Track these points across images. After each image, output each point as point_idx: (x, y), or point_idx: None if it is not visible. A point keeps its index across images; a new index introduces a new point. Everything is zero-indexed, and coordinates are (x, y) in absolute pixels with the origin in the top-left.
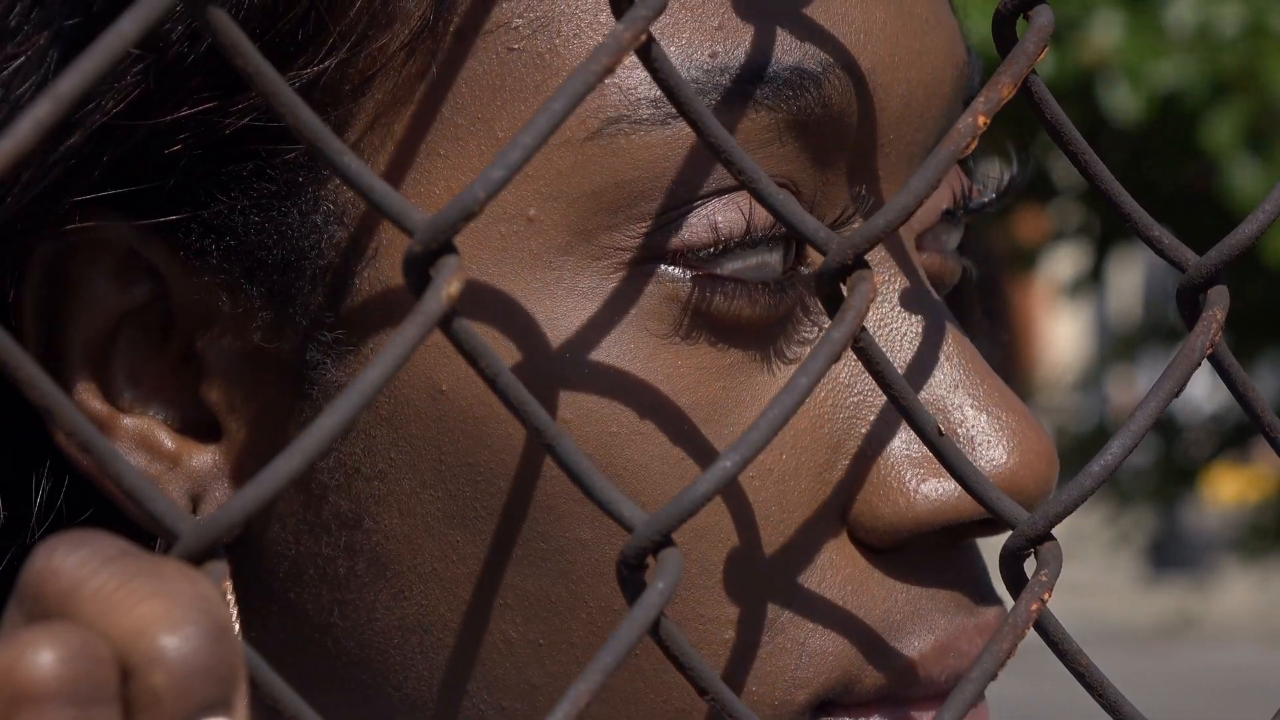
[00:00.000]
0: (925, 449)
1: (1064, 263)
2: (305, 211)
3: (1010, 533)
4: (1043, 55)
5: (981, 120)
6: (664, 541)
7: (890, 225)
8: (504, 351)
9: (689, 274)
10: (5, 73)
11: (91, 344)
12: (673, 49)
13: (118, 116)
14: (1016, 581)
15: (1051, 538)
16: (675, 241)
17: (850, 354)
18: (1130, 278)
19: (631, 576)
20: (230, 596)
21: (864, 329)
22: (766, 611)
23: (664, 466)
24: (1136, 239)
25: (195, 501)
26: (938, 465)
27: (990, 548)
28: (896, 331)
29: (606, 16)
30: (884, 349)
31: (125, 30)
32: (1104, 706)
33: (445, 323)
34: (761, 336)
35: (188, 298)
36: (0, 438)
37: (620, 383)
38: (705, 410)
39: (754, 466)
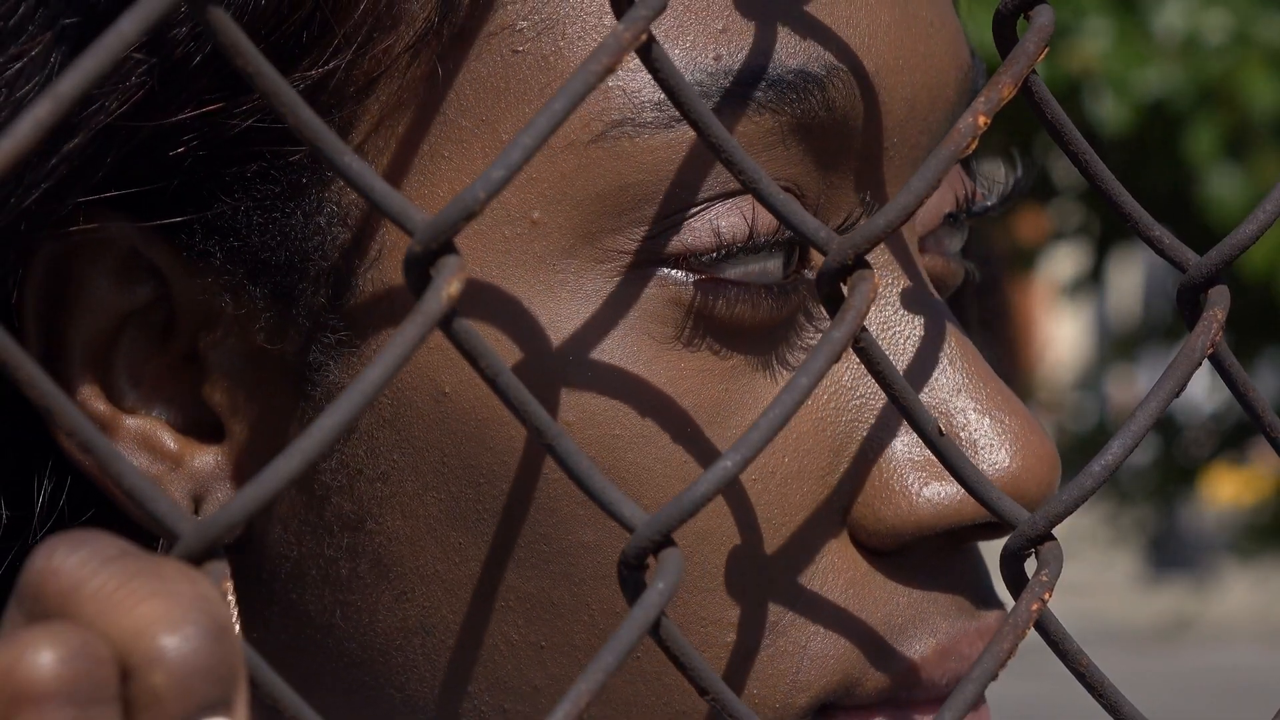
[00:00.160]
0: (928, 452)
1: (1064, 263)
2: (309, 213)
3: (1011, 533)
4: (1043, 55)
5: (982, 120)
6: (665, 541)
7: (891, 225)
8: (507, 353)
9: (692, 277)
10: (8, 73)
11: (93, 344)
12: (677, 52)
13: (122, 117)
14: (1017, 581)
15: (1052, 537)
16: (678, 245)
17: (853, 357)
18: (1130, 278)
19: (632, 576)
20: (230, 597)
21: (865, 329)
22: (768, 614)
23: (665, 469)
24: (1136, 239)
25: (197, 502)
26: (940, 468)
27: (991, 549)
28: (899, 334)
29: (611, 18)
30: (886, 352)
31: (126, 30)
32: (1104, 706)
33: (445, 323)
34: (764, 341)
35: (190, 298)
36: (2, 438)
37: (622, 385)
38: (707, 413)
39: (756, 469)
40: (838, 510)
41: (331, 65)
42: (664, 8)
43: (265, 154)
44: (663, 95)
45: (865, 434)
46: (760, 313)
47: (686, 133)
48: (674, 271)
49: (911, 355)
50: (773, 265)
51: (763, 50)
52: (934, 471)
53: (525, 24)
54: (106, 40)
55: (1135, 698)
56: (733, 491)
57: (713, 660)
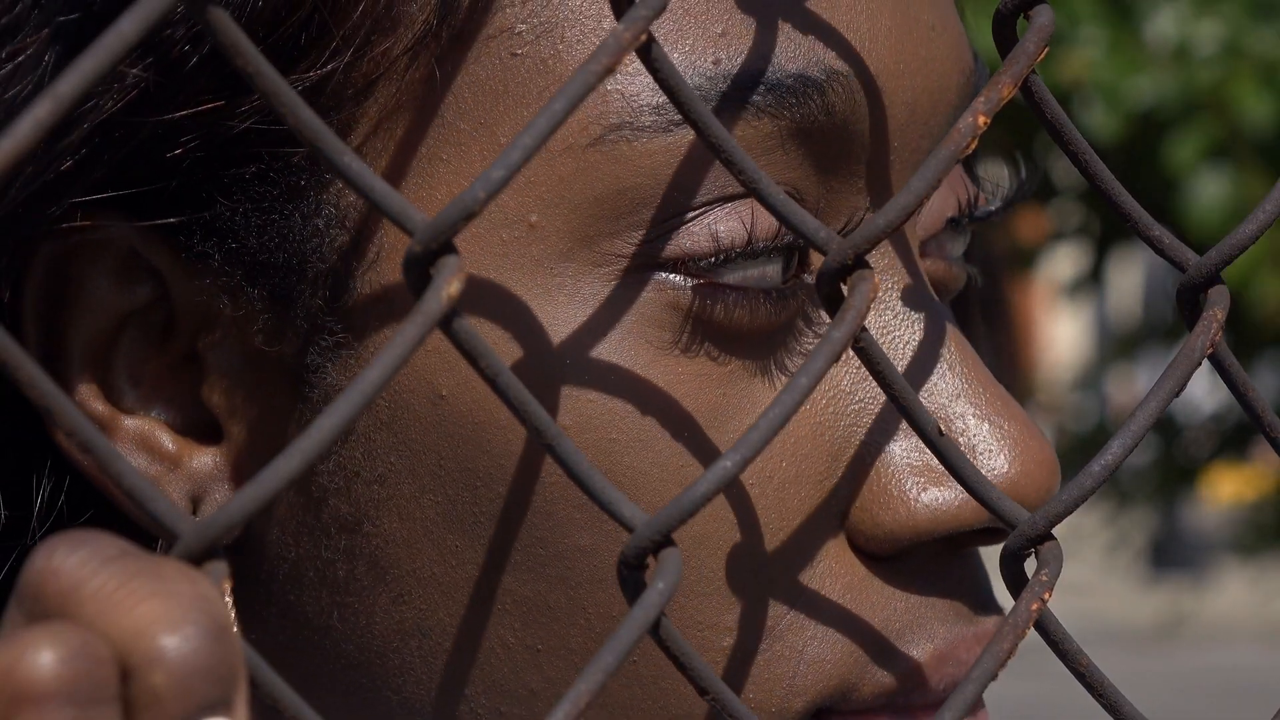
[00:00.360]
0: (926, 457)
1: (1064, 263)
2: (307, 215)
3: (1011, 533)
4: (1043, 55)
5: (982, 120)
6: (664, 541)
7: (891, 224)
8: (504, 356)
9: (690, 282)
10: (4, 72)
11: (92, 345)
12: (676, 55)
13: (120, 117)
14: (1017, 581)
15: (1052, 537)
16: (676, 249)
17: (852, 361)
18: (1130, 278)
19: (632, 576)
20: (229, 598)
21: (865, 329)
22: (765, 618)
23: (662, 473)
24: (1136, 239)
25: (195, 503)
26: (938, 474)
27: (990, 551)
28: (898, 339)
29: (610, 21)
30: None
31: (125, 30)
32: (1104, 706)
33: (445, 323)
34: (762, 346)
35: (189, 299)
36: (1, 438)
37: (620, 389)
38: (705, 417)
39: (754, 473)
40: (835, 515)
41: (329, 67)
42: (664, 8)
43: (263, 156)
44: (661, 99)
45: (863, 439)
46: (758, 318)
47: (684, 136)
48: (672, 276)
49: (910, 359)
50: (771, 270)
51: (762, 54)
52: (932, 477)
53: (524, 27)
54: (106, 40)
55: (1135, 697)
56: (730, 495)
57: (709, 664)
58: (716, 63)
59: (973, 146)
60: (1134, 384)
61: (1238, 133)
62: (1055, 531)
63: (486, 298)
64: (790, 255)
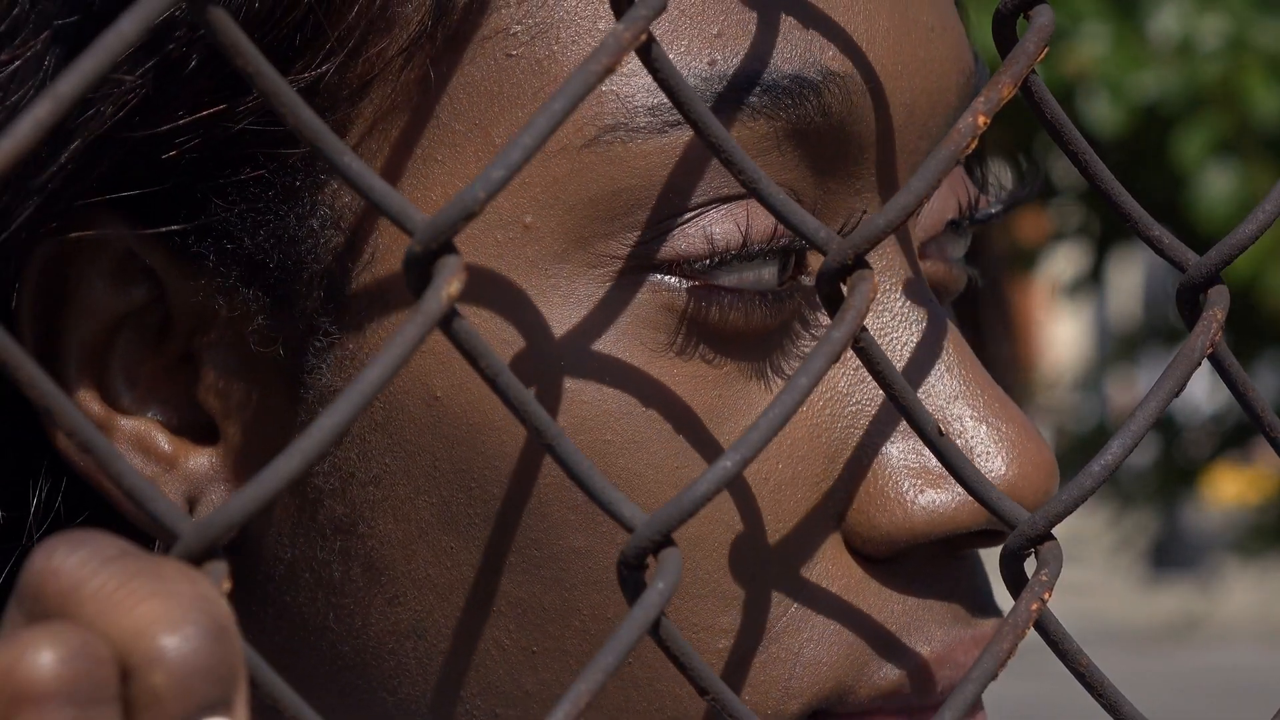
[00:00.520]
0: (923, 459)
1: (1064, 263)
2: (302, 216)
3: (1011, 533)
4: (1043, 54)
5: (982, 120)
6: (664, 541)
7: (891, 224)
8: (499, 356)
9: (685, 283)
10: (3, 74)
11: (89, 346)
12: (672, 56)
13: (118, 120)
14: (1017, 581)
15: (1052, 537)
16: (671, 251)
17: (850, 363)
18: (1130, 278)
19: (632, 576)
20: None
21: (864, 329)
22: (761, 620)
23: (657, 475)
24: (1136, 239)
25: (191, 504)
26: (935, 476)
27: (990, 552)
28: (896, 340)
29: (605, 23)
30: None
31: (125, 30)
32: (1104, 706)
33: (445, 322)
34: (758, 348)
35: (185, 300)
36: None
37: (615, 390)
38: (700, 419)
39: (751, 475)
40: (833, 517)
41: (324, 68)
42: (664, 8)
43: (259, 157)
44: (656, 100)
45: (861, 440)
46: (754, 320)
47: (680, 138)
48: (667, 277)
49: (909, 360)
50: (767, 273)
51: (758, 55)
52: (929, 479)
53: (519, 28)
54: (106, 40)
55: (1135, 698)
56: (727, 497)
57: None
58: (712, 63)
59: (972, 146)
60: (1134, 385)
61: (1246, 127)
62: (1057, 534)
63: (482, 298)
64: (786, 258)
